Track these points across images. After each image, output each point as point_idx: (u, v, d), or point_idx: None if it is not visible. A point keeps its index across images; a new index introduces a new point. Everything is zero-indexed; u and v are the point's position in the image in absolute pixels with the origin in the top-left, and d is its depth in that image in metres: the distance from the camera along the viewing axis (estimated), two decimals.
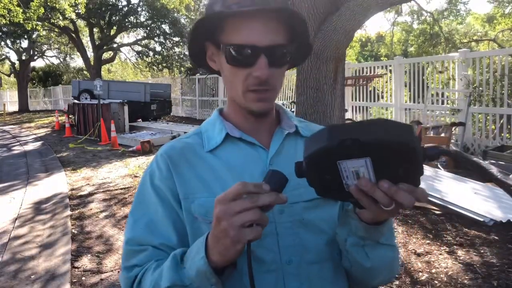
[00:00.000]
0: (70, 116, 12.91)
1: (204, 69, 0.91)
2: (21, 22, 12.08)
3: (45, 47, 26.67)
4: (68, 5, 13.50)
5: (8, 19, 11.83)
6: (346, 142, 0.55)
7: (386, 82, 9.20)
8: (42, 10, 12.38)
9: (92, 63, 20.16)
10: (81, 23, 21.60)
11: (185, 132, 9.12)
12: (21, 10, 11.79)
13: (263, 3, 0.72)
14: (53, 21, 15.70)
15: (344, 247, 0.76)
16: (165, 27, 19.45)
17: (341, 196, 0.62)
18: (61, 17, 15.27)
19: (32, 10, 12.00)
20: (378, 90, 9.66)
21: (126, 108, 11.56)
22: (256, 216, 0.59)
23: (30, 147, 10.34)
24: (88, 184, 6.13)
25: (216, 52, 0.80)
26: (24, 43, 24.34)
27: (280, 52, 0.75)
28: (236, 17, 0.73)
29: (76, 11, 16.24)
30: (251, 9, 0.71)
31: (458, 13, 14.76)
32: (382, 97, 9.48)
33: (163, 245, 0.76)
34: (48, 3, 12.88)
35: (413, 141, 0.55)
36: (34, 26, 12.83)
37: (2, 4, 11.35)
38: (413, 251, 3.22)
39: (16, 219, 4.56)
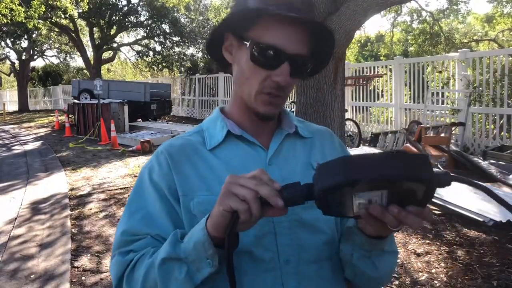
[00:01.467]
0: (70, 116, 12.90)
1: (214, 58, 0.89)
2: (23, 21, 12.07)
3: (45, 46, 26.65)
4: (70, 2, 13.49)
5: (9, 18, 11.82)
6: (374, 181, 0.55)
7: (386, 81, 9.20)
8: (43, 8, 12.38)
9: (92, 62, 20.14)
10: (81, 22, 21.59)
11: (184, 132, 9.10)
12: (23, 9, 11.79)
13: (301, 12, 0.73)
14: (55, 19, 15.68)
15: (350, 262, 0.77)
16: (165, 27, 19.44)
17: (345, 215, 0.63)
18: (62, 15, 15.26)
19: (33, 9, 12.00)
20: (378, 89, 9.67)
21: (126, 108, 11.56)
22: (249, 196, 0.59)
23: (30, 146, 10.34)
24: (88, 184, 6.13)
25: (236, 45, 0.79)
26: (24, 43, 24.34)
27: (302, 63, 0.76)
28: (272, 18, 0.73)
29: (78, 10, 16.24)
30: (291, 16, 0.71)
31: (458, 13, 14.74)
32: (382, 96, 9.49)
33: (159, 236, 0.76)
34: (49, 2, 12.88)
35: (433, 176, 0.56)
36: (36, 25, 12.81)
37: (4, 4, 11.35)
38: (413, 251, 3.22)
39: (15, 218, 4.56)
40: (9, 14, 11.70)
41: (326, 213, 0.62)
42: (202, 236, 0.64)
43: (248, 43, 0.75)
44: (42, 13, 12.64)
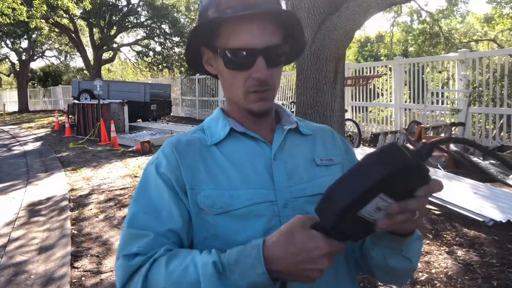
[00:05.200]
0: (70, 116, 12.91)
1: (201, 73, 0.92)
2: (25, 20, 12.05)
3: (45, 47, 26.64)
4: (71, 1, 13.48)
5: (12, 18, 11.81)
6: (358, 198, 0.56)
7: (386, 80, 9.20)
8: (44, 7, 12.37)
9: (92, 63, 20.15)
10: (81, 23, 21.59)
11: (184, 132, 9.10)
12: (25, 9, 11.79)
13: (256, 6, 0.74)
14: (56, 18, 15.69)
15: (386, 266, 0.77)
16: (165, 27, 19.44)
17: (371, 231, 0.63)
18: (64, 15, 15.26)
19: (35, 8, 12.00)
20: (378, 88, 9.67)
21: (126, 108, 11.56)
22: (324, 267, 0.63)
23: (30, 147, 10.34)
24: (88, 184, 6.13)
25: (213, 57, 0.82)
26: (24, 43, 24.34)
27: (276, 52, 0.77)
28: (231, 22, 0.75)
29: (80, 10, 16.25)
30: (247, 13, 0.73)
31: (457, 12, 14.75)
32: (382, 95, 9.49)
33: (169, 231, 0.74)
34: (50, 1, 12.87)
35: (409, 160, 0.56)
36: (38, 25, 12.81)
37: (6, 4, 11.35)
38: None
39: (15, 219, 4.56)
40: (12, 14, 11.70)
41: (355, 239, 0.64)
42: (264, 280, 0.63)
43: (218, 52, 0.78)
44: (44, 12, 12.64)
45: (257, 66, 0.75)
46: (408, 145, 6.21)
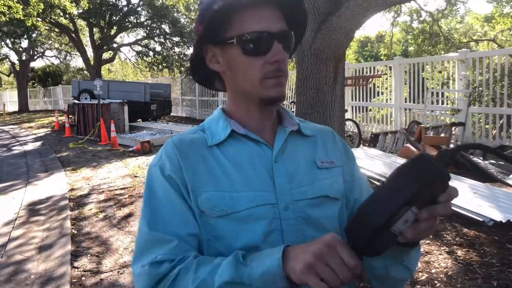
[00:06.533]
0: (70, 116, 12.90)
1: (198, 76, 0.90)
2: (21, 18, 12.02)
3: (45, 47, 26.63)
4: (69, 1, 13.46)
5: (8, 16, 11.79)
6: (400, 210, 0.58)
7: (386, 79, 9.20)
8: (41, 6, 12.34)
9: (92, 63, 20.14)
10: (81, 22, 21.59)
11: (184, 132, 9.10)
12: (21, 7, 11.76)
13: None
14: (54, 17, 15.68)
15: (386, 276, 0.77)
16: (165, 27, 19.43)
17: (394, 243, 0.63)
18: (61, 14, 15.23)
19: (32, 6, 11.98)
20: (378, 87, 9.67)
21: (126, 108, 11.56)
22: (334, 284, 0.59)
23: (30, 147, 10.34)
24: (88, 184, 6.13)
25: (220, 52, 0.81)
26: (24, 43, 24.32)
27: (288, 38, 0.79)
28: (245, 9, 0.75)
29: (78, 10, 16.23)
30: None
31: (457, 12, 14.76)
32: (382, 93, 9.49)
33: (189, 235, 0.74)
34: (48, 0, 12.85)
35: (439, 168, 0.58)
36: (34, 23, 12.79)
37: (2, 2, 11.34)
38: None
39: (15, 219, 4.56)
40: (7, 12, 11.66)
41: (380, 253, 0.64)
42: (275, 267, 0.63)
43: (234, 40, 0.76)
44: (41, 11, 12.61)
45: (275, 50, 0.75)
46: (410, 145, 6.21)
